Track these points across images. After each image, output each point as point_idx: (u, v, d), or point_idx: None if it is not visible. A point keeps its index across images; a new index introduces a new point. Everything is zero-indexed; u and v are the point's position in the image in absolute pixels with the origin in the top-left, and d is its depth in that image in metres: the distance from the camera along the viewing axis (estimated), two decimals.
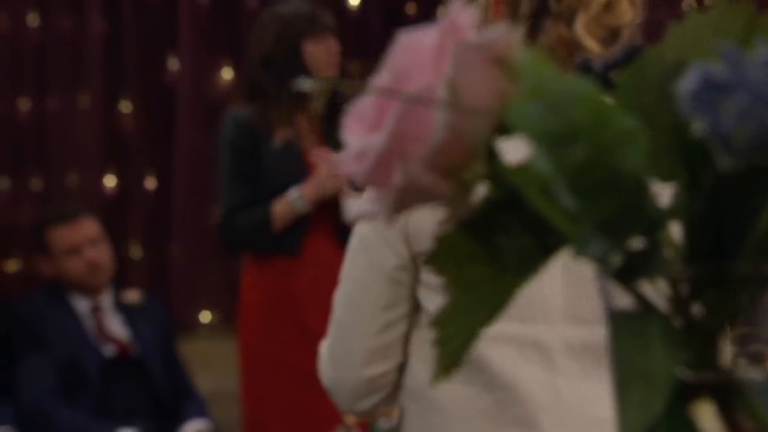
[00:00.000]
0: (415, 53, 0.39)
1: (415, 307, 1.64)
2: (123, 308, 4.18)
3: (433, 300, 1.59)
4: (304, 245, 3.49)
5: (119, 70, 4.74)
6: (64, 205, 4.26)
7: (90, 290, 4.11)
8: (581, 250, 0.37)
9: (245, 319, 3.59)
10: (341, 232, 3.56)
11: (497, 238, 0.40)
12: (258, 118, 3.45)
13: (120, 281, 4.31)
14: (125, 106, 4.79)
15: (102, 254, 4.13)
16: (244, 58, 4.84)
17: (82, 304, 4.11)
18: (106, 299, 4.16)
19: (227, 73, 4.91)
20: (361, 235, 1.65)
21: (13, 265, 4.60)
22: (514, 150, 0.44)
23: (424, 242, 1.57)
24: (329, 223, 3.54)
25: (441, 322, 0.41)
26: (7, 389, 3.93)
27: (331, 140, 3.56)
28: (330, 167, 3.41)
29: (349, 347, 1.66)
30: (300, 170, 3.48)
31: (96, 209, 4.38)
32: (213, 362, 4.78)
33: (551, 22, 1.56)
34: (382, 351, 1.64)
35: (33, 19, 4.63)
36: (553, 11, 1.55)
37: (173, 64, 4.84)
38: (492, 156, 0.40)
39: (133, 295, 4.24)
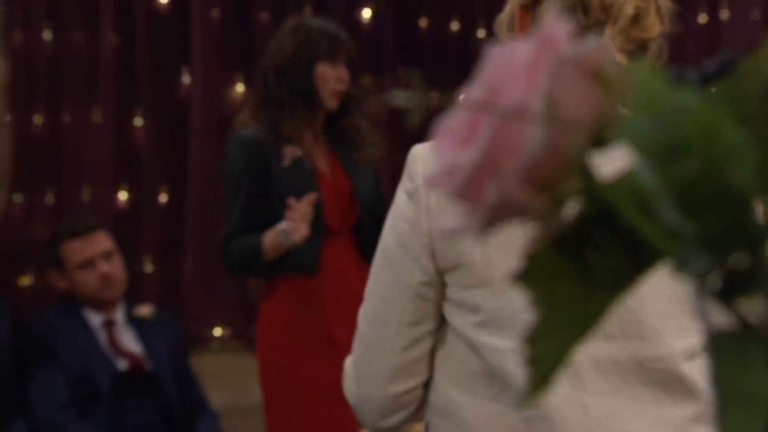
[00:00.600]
0: (509, 66, 0.38)
1: (441, 323, 1.63)
2: (135, 322, 4.18)
3: (457, 315, 1.58)
4: (321, 262, 3.49)
5: (132, 84, 4.74)
6: (77, 220, 4.26)
7: (103, 304, 4.11)
8: (681, 267, 0.36)
9: (264, 334, 3.58)
10: (357, 249, 3.56)
11: (589, 255, 0.39)
12: (267, 133, 3.44)
13: (132, 295, 4.31)
14: (138, 121, 4.79)
15: (115, 268, 4.13)
16: (256, 72, 4.85)
17: (94, 318, 4.10)
18: (119, 313, 4.16)
19: (240, 88, 4.91)
20: (386, 251, 1.64)
21: (26, 280, 4.59)
22: (605, 164, 0.43)
23: (450, 258, 1.56)
24: (346, 239, 3.54)
25: (531, 340, 0.40)
26: (19, 403, 3.92)
27: (340, 154, 3.56)
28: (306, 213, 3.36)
29: (374, 364, 1.65)
30: (312, 184, 3.47)
31: (109, 224, 4.38)
32: (225, 377, 4.77)
33: (578, 36, 1.55)
34: (408, 368, 1.63)
35: (47, 34, 4.63)
36: (580, 25, 1.55)
37: (186, 78, 4.85)
38: (586, 170, 0.40)
39: (145, 310, 4.24)
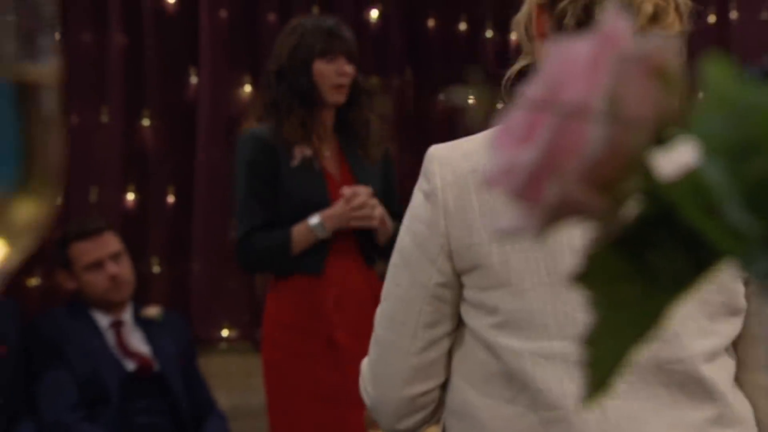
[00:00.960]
0: (569, 64, 0.38)
1: (458, 324, 1.62)
2: (143, 323, 4.17)
3: (474, 317, 1.57)
4: (327, 264, 3.48)
5: (139, 85, 4.74)
6: (86, 221, 4.25)
7: (111, 306, 4.11)
8: (746, 268, 0.36)
9: (269, 335, 3.57)
10: (363, 251, 3.55)
11: (649, 255, 0.39)
12: (275, 134, 3.44)
13: (140, 296, 4.30)
14: (145, 122, 4.78)
15: (123, 269, 4.13)
16: (264, 72, 4.85)
17: (102, 319, 4.10)
18: (127, 314, 4.16)
19: (247, 88, 4.91)
20: (402, 251, 1.63)
21: (34, 280, 4.59)
22: (665, 163, 0.43)
23: (468, 259, 1.55)
24: (351, 242, 3.53)
25: (590, 342, 0.40)
26: (28, 404, 3.92)
27: (348, 153, 3.55)
28: (354, 201, 3.40)
29: (390, 366, 1.64)
30: (320, 185, 3.46)
31: (116, 225, 4.38)
32: (232, 378, 4.77)
33: None
34: (425, 369, 1.62)
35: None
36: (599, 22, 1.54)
37: (193, 79, 4.84)
38: (647, 169, 0.39)
39: (153, 311, 4.23)
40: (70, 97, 4.68)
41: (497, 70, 1.80)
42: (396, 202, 3.67)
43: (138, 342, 4.13)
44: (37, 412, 3.94)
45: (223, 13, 4.84)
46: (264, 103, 3.54)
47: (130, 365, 4.03)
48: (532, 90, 0.39)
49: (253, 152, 3.46)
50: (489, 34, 5.19)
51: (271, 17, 4.92)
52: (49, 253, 4.49)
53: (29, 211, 0.51)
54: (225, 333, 4.89)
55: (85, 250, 4.10)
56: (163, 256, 4.81)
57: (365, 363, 1.72)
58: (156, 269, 4.80)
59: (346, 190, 3.43)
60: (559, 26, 1.58)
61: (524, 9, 1.69)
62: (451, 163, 1.58)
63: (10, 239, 0.51)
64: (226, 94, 4.86)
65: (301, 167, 3.45)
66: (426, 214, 1.58)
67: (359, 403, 3.38)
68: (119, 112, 4.70)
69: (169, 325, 4.23)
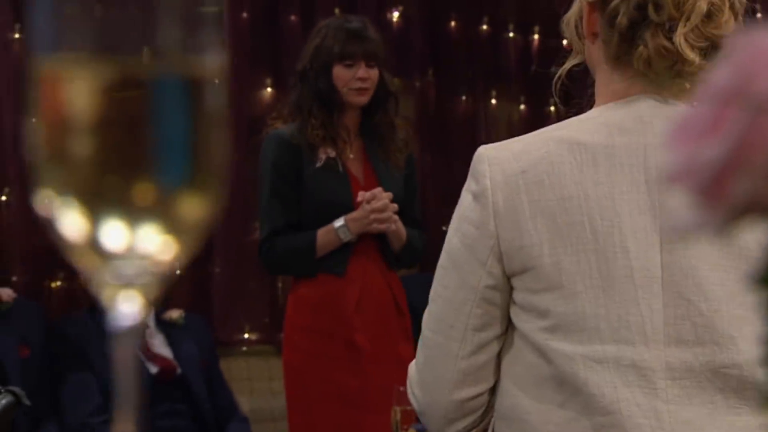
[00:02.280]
0: (761, 54, 0.36)
1: (507, 327, 1.59)
2: (165, 326, 4.16)
3: (525, 320, 1.55)
4: (349, 266, 3.46)
5: None
6: None
7: None
8: None
9: (289, 337, 3.55)
10: (384, 254, 3.53)
11: None
12: (299, 135, 3.42)
13: (161, 300, 4.29)
14: None
15: None
16: (285, 75, 4.83)
17: None
18: (149, 317, 4.15)
19: (269, 89, 4.90)
20: (451, 252, 1.60)
21: (56, 283, 4.58)
22: None
23: (518, 261, 1.53)
24: (372, 245, 3.51)
25: None
26: (52, 407, 3.91)
27: (372, 156, 3.53)
28: (375, 204, 3.39)
29: (439, 369, 1.61)
30: (344, 186, 3.44)
31: None
32: (253, 381, 4.75)
33: (650, 33, 1.52)
34: (474, 373, 1.59)
35: None
36: (653, 21, 1.52)
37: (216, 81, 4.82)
38: None
39: (175, 314, 4.22)
40: None
41: (543, 71, 1.78)
42: (416, 210, 3.65)
43: (160, 345, 4.12)
44: (61, 415, 3.94)
45: (245, 15, 4.83)
46: (289, 103, 3.52)
47: (153, 368, 4.02)
48: (717, 83, 0.37)
49: (277, 153, 3.44)
50: (511, 35, 5.17)
51: (293, 19, 4.91)
52: None
53: (197, 208, 0.50)
54: (246, 336, 4.87)
55: None
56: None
57: (412, 366, 1.69)
58: (178, 272, 4.78)
59: (365, 194, 3.41)
60: (611, 25, 1.56)
61: (574, 8, 1.67)
62: (501, 163, 1.55)
63: (179, 237, 0.49)
64: (247, 95, 4.85)
65: (325, 168, 3.43)
66: (475, 215, 1.55)
67: (378, 406, 3.38)
68: None
69: (190, 328, 4.22)
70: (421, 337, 1.68)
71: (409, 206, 3.56)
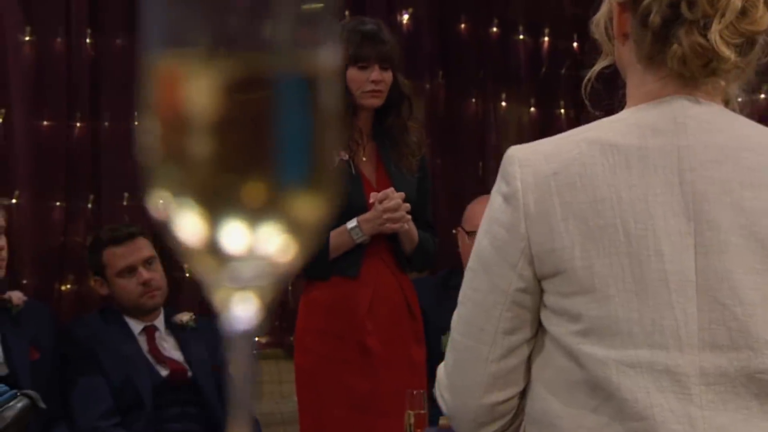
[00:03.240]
0: None
1: (538, 331, 1.58)
2: (175, 329, 4.15)
3: (556, 323, 1.54)
4: (361, 267, 3.45)
5: None
6: (119, 226, 4.23)
7: (144, 311, 4.09)
8: None
9: (300, 340, 3.54)
10: (396, 256, 3.53)
11: None
12: None
13: (171, 302, 4.28)
14: None
15: (156, 275, 4.11)
16: None
17: (135, 325, 4.08)
18: (159, 320, 4.14)
19: None
20: (481, 255, 1.59)
21: (66, 286, 4.57)
22: None
23: (550, 264, 1.52)
24: (385, 245, 3.50)
25: None
26: (62, 410, 3.90)
27: (385, 158, 3.52)
28: (387, 203, 3.39)
29: (469, 373, 1.60)
30: (357, 188, 3.43)
31: (147, 230, 4.35)
32: (263, 385, 4.74)
33: (684, 31, 1.51)
34: (504, 377, 1.58)
35: (87, 40, 4.61)
36: (686, 19, 1.51)
37: None
38: None
39: (185, 316, 4.21)
40: (103, 101, 4.66)
41: (577, 74, 1.77)
42: (428, 213, 3.65)
43: (171, 348, 4.11)
44: (72, 418, 3.92)
45: None
46: None
47: (164, 371, 4.01)
48: None
49: None
50: (521, 36, 5.16)
51: None
52: (81, 257, 4.47)
53: (314, 208, 0.48)
54: (256, 339, 4.85)
55: (118, 256, 4.08)
56: None
57: (441, 369, 1.68)
58: (187, 274, 4.77)
59: (377, 194, 3.41)
60: (644, 24, 1.54)
61: (604, 8, 1.65)
62: (533, 165, 1.54)
63: (297, 237, 0.48)
64: None
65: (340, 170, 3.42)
66: (505, 217, 1.54)
67: (390, 410, 3.37)
68: None
69: (201, 331, 4.20)
70: (449, 340, 1.67)
71: (421, 209, 3.55)
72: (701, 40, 1.50)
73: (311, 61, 0.48)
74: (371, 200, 3.42)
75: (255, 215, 0.48)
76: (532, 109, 5.19)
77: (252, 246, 0.48)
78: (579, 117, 5.15)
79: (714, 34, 1.50)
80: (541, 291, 1.55)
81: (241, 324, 0.50)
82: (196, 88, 0.48)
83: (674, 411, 1.46)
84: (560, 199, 1.51)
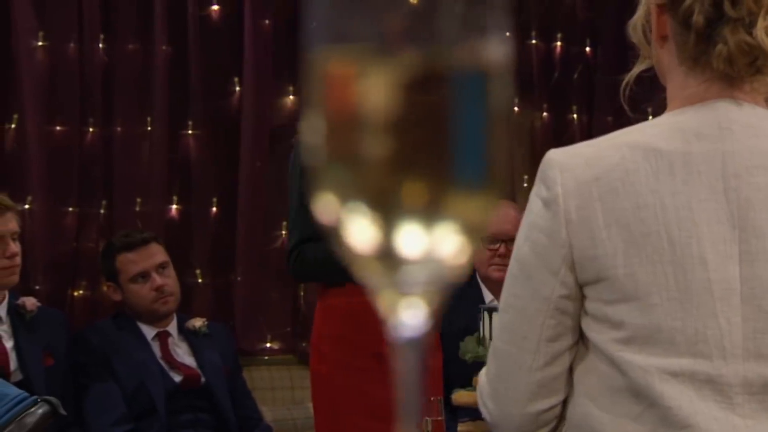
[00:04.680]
0: None
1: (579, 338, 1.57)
2: (188, 335, 4.14)
3: (597, 330, 1.52)
4: None
5: (184, 95, 4.71)
6: (132, 232, 4.22)
7: (157, 317, 4.07)
8: None
9: (317, 347, 3.52)
10: None
11: None
12: None
13: (183, 307, 4.27)
14: (190, 132, 4.75)
15: (169, 281, 4.10)
16: None
17: (149, 331, 4.07)
18: (172, 326, 4.13)
19: (291, 98, 4.88)
20: (522, 261, 1.56)
21: (79, 292, 4.56)
22: None
23: (592, 270, 1.50)
24: None
25: None
26: (75, 417, 3.88)
27: None
28: None
29: (512, 381, 1.58)
30: None
31: (160, 235, 4.34)
32: (275, 391, 4.73)
33: (729, 30, 1.49)
34: (548, 385, 1.56)
35: (100, 45, 4.60)
36: (731, 18, 1.49)
37: (237, 89, 4.81)
38: None
39: (198, 322, 4.20)
40: (116, 107, 4.65)
41: (615, 78, 1.75)
42: None
43: (184, 354, 4.10)
44: (85, 424, 3.91)
45: (267, 23, 4.81)
46: None
47: (177, 377, 4.00)
48: None
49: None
50: (533, 41, 5.15)
51: None
52: (93, 263, 4.46)
53: (487, 209, 0.47)
54: (268, 345, 4.85)
55: (132, 261, 4.07)
56: (206, 267, 4.77)
57: (483, 376, 1.66)
58: (199, 280, 4.76)
59: None
60: (686, 25, 1.52)
61: (640, 11, 1.63)
62: (573, 169, 1.52)
63: (470, 239, 0.46)
64: (269, 103, 4.83)
65: None
66: (546, 223, 1.52)
67: None
68: (163, 122, 4.66)
69: (213, 337, 4.19)
70: (491, 348, 1.65)
71: None
72: (747, 38, 1.48)
73: (484, 54, 0.46)
74: None
75: (430, 217, 0.46)
76: (545, 114, 5.18)
77: (427, 249, 0.46)
78: (591, 122, 5.15)
79: (760, 31, 1.48)
80: (582, 297, 1.53)
81: (409, 331, 0.48)
82: (369, 85, 0.46)
83: (718, 419, 1.44)
84: (602, 206, 1.49)
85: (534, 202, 1.55)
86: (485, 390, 1.63)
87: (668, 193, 1.47)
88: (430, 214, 0.45)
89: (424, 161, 0.45)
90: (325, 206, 0.47)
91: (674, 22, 1.54)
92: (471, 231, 0.45)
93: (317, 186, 0.47)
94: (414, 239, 0.45)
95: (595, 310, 1.51)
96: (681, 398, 1.45)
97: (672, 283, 1.45)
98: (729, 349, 1.45)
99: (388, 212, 0.45)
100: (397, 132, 0.45)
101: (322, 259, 3.40)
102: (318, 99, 0.48)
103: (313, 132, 0.47)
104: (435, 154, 0.45)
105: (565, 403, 1.59)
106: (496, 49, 0.47)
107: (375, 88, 0.45)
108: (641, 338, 1.47)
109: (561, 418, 1.60)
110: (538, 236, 1.53)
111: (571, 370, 1.57)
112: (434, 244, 0.46)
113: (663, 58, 1.59)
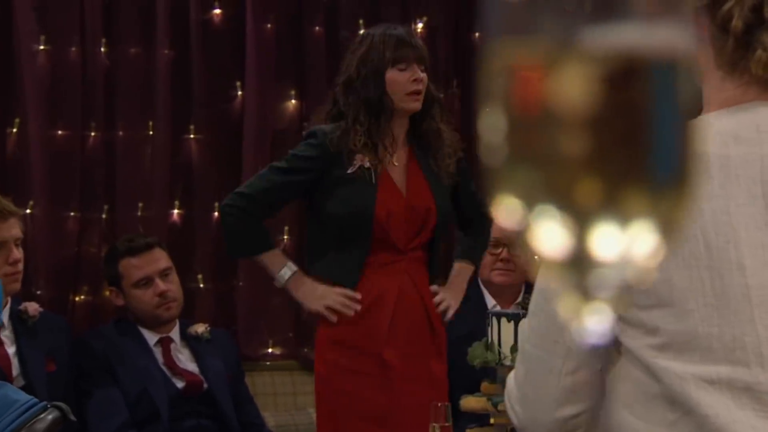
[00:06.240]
0: None
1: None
2: (190, 341, 4.12)
3: (631, 336, 1.50)
4: (378, 281, 3.42)
5: (186, 99, 4.69)
6: (136, 236, 4.20)
7: (160, 323, 4.05)
8: None
9: (321, 351, 3.51)
10: (426, 269, 3.51)
11: None
12: (339, 141, 3.39)
13: (185, 313, 4.25)
14: (192, 136, 4.73)
15: (172, 286, 4.08)
16: (309, 85, 4.80)
17: (151, 337, 4.05)
18: (174, 331, 4.11)
19: (293, 102, 4.86)
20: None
21: (81, 296, 4.53)
22: None
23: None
24: (414, 259, 3.48)
25: None
26: (78, 422, 3.85)
27: (422, 163, 3.49)
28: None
29: (541, 386, 1.56)
30: (369, 198, 3.40)
31: (162, 240, 4.32)
32: (277, 396, 4.71)
33: None
34: (578, 391, 1.54)
35: (102, 49, 4.58)
36: None
37: (240, 92, 4.79)
38: None
39: (200, 328, 4.18)
40: (118, 111, 4.62)
41: None
42: (479, 207, 3.62)
43: (186, 359, 4.08)
44: (88, 431, 3.88)
45: (269, 27, 4.79)
46: (327, 114, 3.49)
47: (179, 383, 3.97)
48: None
49: (311, 148, 3.41)
50: None
51: (317, 30, 4.87)
52: (95, 268, 4.43)
53: (681, 207, 0.44)
54: (270, 350, 4.83)
55: (135, 267, 4.05)
56: (208, 272, 4.74)
57: (511, 380, 1.64)
58: (202, 285, 4.74)
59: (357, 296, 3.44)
60: (725, 29, 1.50)
61: None
62: None
63: (666, 240, 0.44)
64: (271, 107, 4.81)
65: (357, 176, 3.39)
66: None
67: (407, 424, 3.34)
68: (165, 126, 4.64)
69: (216, 343, 4.17)
70: (519, 351, 1.64)
71: (472, 206, 3.57)
72: None
73: (676, 44, 0.43)
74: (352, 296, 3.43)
75: (625, 217, 0.44)
76: None
77: (622, 251, 0.44)
78: None
79: None
80: None
81: (593, 338, 0.46)
82: (563, 79, 0.43)
83: (756, 428, 1.42)
84: None
85: None
86: (513, 394, 1.61)
87: (705, 197, 1.45)
88: (625, 213, 0.43)
89: (622, 160, 0.42)
90: (508, 209, 0.45)
91: (712, 26, 1.52)
92: (665, 231, 0.43)
93: (497, 188, 0.45)
94: (609, 241, 0.43)
95: (630, 316, 1.49)
96: (718, 406, 1.43)
97: (708, 289, 1.43)
98: (767, 357, 1.43)
99: (581, 213, 0.43)
100: (593, 129, 0.42)
101: (239, 230, 3.45)
102: (499, 94, 0.45)
103: (492, 130, 0.45)
104: (633, 152, 0.42)
105: (596, 409, 1.57)
106: (685, 39, 0.44)
107: (570, 82, 0.42)
108: (677, 344, 1.45)
109: (591, 424, 1.58)
110: None
111: (604, 376, 1.56)
112: (629, 245, 0.44)
113: (698, 60, 1.57)
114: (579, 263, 0.44)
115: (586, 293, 0.44)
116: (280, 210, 3.60)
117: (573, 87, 0.42)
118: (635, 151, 0.42)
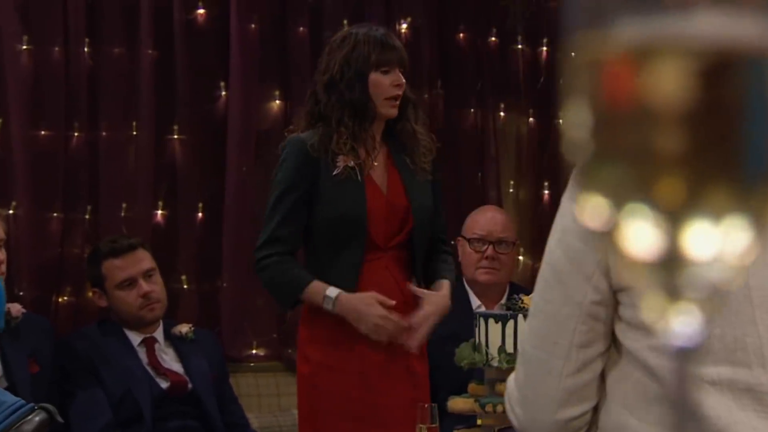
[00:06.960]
0: None
1: (611, 344, 1.55)
2: (174, 341, 4.10)
3: (632, 338, 1.50)
4: (362, 279, 3.42)
5: (170, 99, 4.67)
6: (119, 237, 4.18)
7: (144, 324, 4.03)
8: None
9: (303, 350, 3.51)
10: (405, 267, 3.50)
11: None
12: (320, 145, 3.38)
13: (169, 313, 4.23)
14: (175, 136, 4.71)
15: (156, 287, 4.06)
16: (293, 86, 4.78)
17: (135, 337, 4.03)
18: (158, 332, 4.09)
19: (277, 102, 4.85)
20: (554, 266, 1.54)
21: (64, 297, 4.50)
22: None
23: (627, 275, 1.48)
24: (393, 257, 3.47)
25: None
26: (62, 423, 3.83)
27: (398, 163, 3.49)
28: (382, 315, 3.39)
29: (542, 388, 1.56)
30: (359, 198, 3.40)
31: (146, 241, 4.30)
32: (261, 397, 4.70)
33: None
34: (579, 392, 1.54)
35: (85, 50, 4.55)
36: None
37: (224, 93, 4.77)
38: None
39: (184, 328, 4.16)
40: (101, 112, 4.60)
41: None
42: (442, 227, 3.62)
43: (170, 360, 4.06)
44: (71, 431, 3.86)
45: (253, 27, 4.78)
46: (308, 114, 3.47)
47: (164, 383, 3.96)
48: None
49: (293, 162, 3.40)
50: (519, 46, 5.15)
51: (301, 31, 4.86)
52: (78, 269, 4.41)
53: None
54: (254, 351, 4.81)
55: (118, 268, 4.03)
56: (192, 272, 4.72)
57: (512, 382, 1.63)
58: (185, 286, 4.72)
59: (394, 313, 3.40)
60: None
61: None
62: None
63: (756, 236, 0.43)
64: (256, 107, 4.79)
65: (343, 178, 3.39)
66: (580, 227, 1.50)
67: (390, 423, 3.34)
68: (149, 127, 4.62)
69: (200, 343, 4.16)
70: (520, 353, 1.63)
71: (436, 225, 3.55)
72: None
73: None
74: (387, 303, 3.41)
75: (720, 215, 0.43)
76: (531, 119, 5.17)
77: (716, 250, 0.43)
78: None
79: None
80: (616, 303, 1.51)
81: (681, 340, 0.45)
82: (658, 73, 0.42)
83: (757, 429, 1.42)
84: None
85: (568, 207, 1.53)
86: (513, 395, 1.61)
87: None
88: (717, 211, 0.42)
89: (716, 156, 0.41)
90: (595, 209, 0.44)
91: None
92: (756, 229, 0.42)
93: (583, 186, 0.44)
94: (703, 240, 0.43)
95: (630, 317, 1.49)
96: (719, 407, 1.43)
97: None
98: None
99: (675, 212, 0.42)
100: (690, 126, 0.41)
101: (280, 284, 3.42)
102: (584, 90, 0.44)
103: (576, 125, 0.44)
104: (727, 148, 0.42)
105: (596, 410, 1.57)
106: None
107: (665, 78, 0.41)
108: None
109: (591, 425, 1.58)
110: (571, 241, 1.51)
111: (603, 377, 1.55)
112: (724, 244, 0.43)
113: None
114: (670, 262, 0.43)
115: (675, 293, 0.43)
116: (302, 231, 3.48)
117: (668, 82, 0.41)
118: (731, 147, 0.41)
